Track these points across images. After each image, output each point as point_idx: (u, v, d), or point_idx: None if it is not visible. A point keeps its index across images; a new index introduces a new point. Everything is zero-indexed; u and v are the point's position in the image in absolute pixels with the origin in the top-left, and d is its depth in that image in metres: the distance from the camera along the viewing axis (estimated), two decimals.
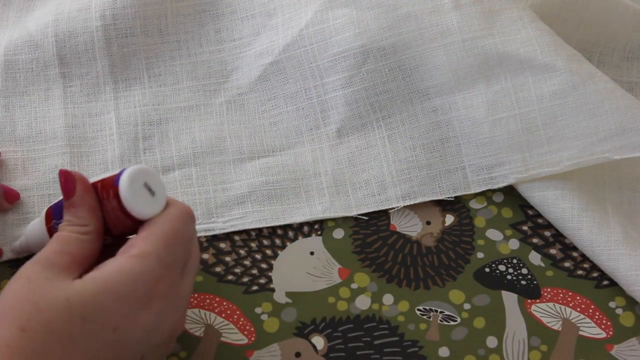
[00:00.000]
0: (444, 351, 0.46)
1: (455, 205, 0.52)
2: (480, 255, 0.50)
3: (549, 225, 0.51)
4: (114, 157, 0.52)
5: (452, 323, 0.47)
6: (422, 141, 0.52)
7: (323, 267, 0.49)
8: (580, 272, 0.49)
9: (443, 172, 0.52)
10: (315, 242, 0.50)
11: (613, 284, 0.49)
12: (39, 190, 0.50)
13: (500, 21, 0.51)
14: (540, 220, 0.51)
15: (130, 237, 0.39)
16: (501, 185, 0.51)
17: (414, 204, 0.51)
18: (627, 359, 0.46)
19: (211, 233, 0.50)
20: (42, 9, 0.56)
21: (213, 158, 0.52)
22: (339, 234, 0.50)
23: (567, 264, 0.50)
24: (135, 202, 0.38)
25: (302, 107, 0.54)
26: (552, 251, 0.50)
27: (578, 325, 0.47)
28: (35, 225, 0.44)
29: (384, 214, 0.51)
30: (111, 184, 0.39)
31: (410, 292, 0.48)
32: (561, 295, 0.48)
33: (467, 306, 0.48)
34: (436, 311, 0.47)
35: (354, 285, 0.48)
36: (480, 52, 0.51)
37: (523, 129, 0.50)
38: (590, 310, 0.48)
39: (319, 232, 0.50)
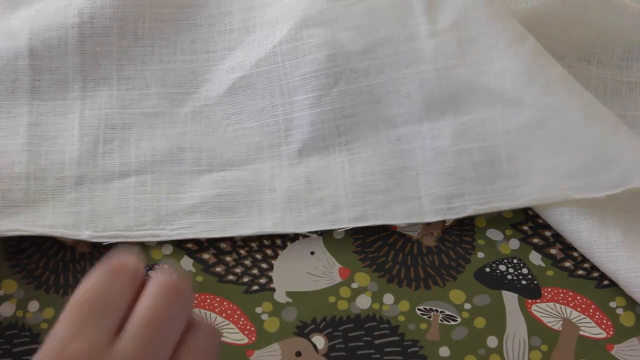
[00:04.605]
0: (444, 351, 0.46)
1: None
2: (480, 255, 0.50)
3: (549, 225, 0.51)
4: (72, 158, 0.51)
5: (452, 323, 0.47)
6: (382, 167, 0.51)
7: (323, 266, 0.49)
8: (580, 272, 0.49)
9: (400, 199, 0.50)
10: (315, 242, 0.50)
11: (613, 284, 0.49)
12: None
13: (475, 50, 0.50)
14: (540, 220, 0.51)
15: None
16: (459, 216, 0.49)
17: None
18: (628, 359, 0.46)
19: (158, 239, 0.49)
20: (29, 8, 0.56)
21: (171, 167, 0.51)
22: (339, 234, 0.50)
23: (567, 264, 0.50)
24: None
25: (266, 123, 0.53)
26: (553, 251, 0.50)
27: (578, 325, 0.47)
28: None
29: None
30: None
31: (411, 291, 0.48)
32: (561, 295, 0.48)
33: (467, 306, 0.48)
34: (436, 311, 0.47)
35: (354, 285, 0.48)
36: (452, 82, 0.50)
37: (486, 161, 0.49)
38: (591, 310, 0.48)
39: (319, 232, 0.50)
